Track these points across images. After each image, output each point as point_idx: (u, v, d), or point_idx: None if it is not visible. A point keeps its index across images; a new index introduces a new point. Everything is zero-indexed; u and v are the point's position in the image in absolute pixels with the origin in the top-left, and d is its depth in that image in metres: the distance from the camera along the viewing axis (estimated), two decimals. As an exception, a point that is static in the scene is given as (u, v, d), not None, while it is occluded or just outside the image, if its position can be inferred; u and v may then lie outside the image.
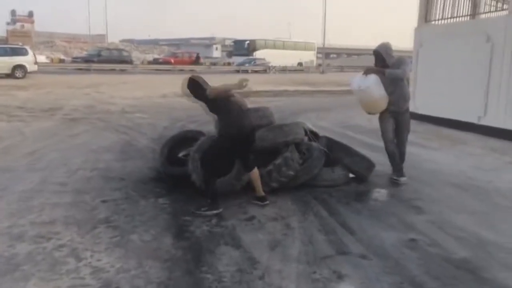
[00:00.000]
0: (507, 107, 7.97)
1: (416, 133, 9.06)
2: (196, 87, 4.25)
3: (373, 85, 5.17)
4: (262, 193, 4.43)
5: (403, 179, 5.30)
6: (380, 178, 5.43)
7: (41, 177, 5.20)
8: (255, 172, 4.41)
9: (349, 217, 4.17)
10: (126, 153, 6.63)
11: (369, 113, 5.66)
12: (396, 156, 5.38)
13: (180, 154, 5.22)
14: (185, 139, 5.35)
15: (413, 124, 10.09)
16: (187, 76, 4.36)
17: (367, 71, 5.28)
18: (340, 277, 3.02)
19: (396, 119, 5.32)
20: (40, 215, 4.01)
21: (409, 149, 7.38)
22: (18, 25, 58.62)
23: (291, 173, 4.70)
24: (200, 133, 5.31)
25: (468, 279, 3.01)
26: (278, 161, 4.66)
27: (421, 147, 7.61)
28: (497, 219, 4.23)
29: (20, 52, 21.72)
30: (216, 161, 4.17)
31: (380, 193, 4.98)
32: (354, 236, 3.71)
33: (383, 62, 5.16)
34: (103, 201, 4.42)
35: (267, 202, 4.38)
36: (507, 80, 7.96)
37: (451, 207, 4.54)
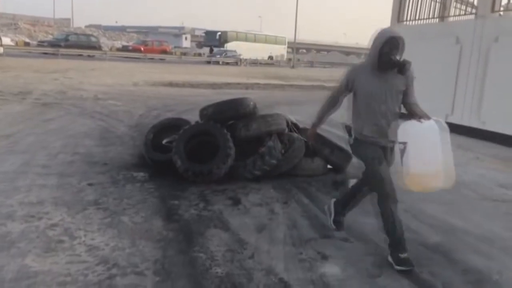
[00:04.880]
0: (472, 106, 8.42)
1: (387, 128, 9.47)
2: None
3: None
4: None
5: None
6: (356, 169, 5.67)
7: (22, 160, 5.18)
8: None
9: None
10: (106, 139, 6.63)
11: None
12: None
13: (164, 141, 5.30)
14: (169, 126, 5.43)
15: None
16: None
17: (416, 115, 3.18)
18: (324, 257, 3.23)
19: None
20: (28, 195, 4.03)
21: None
22: (-22, 5, 56.31)
23: (274, 161, 4.88)
24: (184, 121, 5.41)
25: (442, 260, 3.27)
26: (262, 149, 4.83)
27: (392, 142, 7.94)
28: (465, 209, 4.55)
29: (-15, 33, 20.96)
30: None
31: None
32: (335, 221, 3.93)
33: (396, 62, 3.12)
34: (90, 184, 4.47)
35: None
36: (473, 81, 8.40)
37: (422, 198, 4.79)
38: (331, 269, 3.07)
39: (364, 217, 4.06)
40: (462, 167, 6.29)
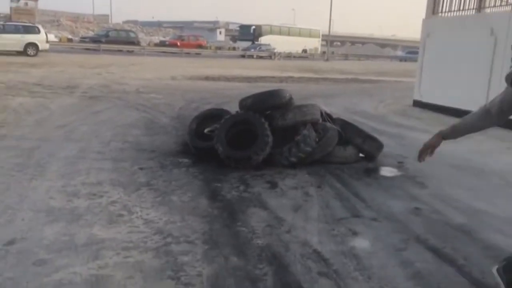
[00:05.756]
0: (507, 97, 8.45)
1: (421, 120, 9.62)
2: None
3: None
4: None
5: None
6: (387, 158, 5.95)
7: (79, 147, 5.71)
8: None
9: (361, 188, 4.69)
10: (151, 129, 7.13)
11: None
12: None
13: (206, 130, 5.72)
14: (211, 116, 5.85)
15: (417, 112, 10.70)
16: None
17: None
18: (355, 233, 3.55)
19: None
20: (88, 177, 4.53)
21: (413, 134, 7.94)
22: (21, 2, 58.68)
23: (308, 149, 5.21)
24: (225, 111, 5.81)
25: (464, 238, 3.54)
26: (297, 138, 5.17)
27: (425, 133, 8.06)
28: (491, 194, 4.75)
29: (32, 30, 22.14)
30: None
31: (387, 171, 5.48)
32: (365, 203, 4.24)
33: None
34: (141, 168, 4.94)
35: None
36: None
37: (450, 183, 5.06)
38: (360, 244, 3.39)
39: (393, 200, 4.35)
40: (492, 156, 6.47)
